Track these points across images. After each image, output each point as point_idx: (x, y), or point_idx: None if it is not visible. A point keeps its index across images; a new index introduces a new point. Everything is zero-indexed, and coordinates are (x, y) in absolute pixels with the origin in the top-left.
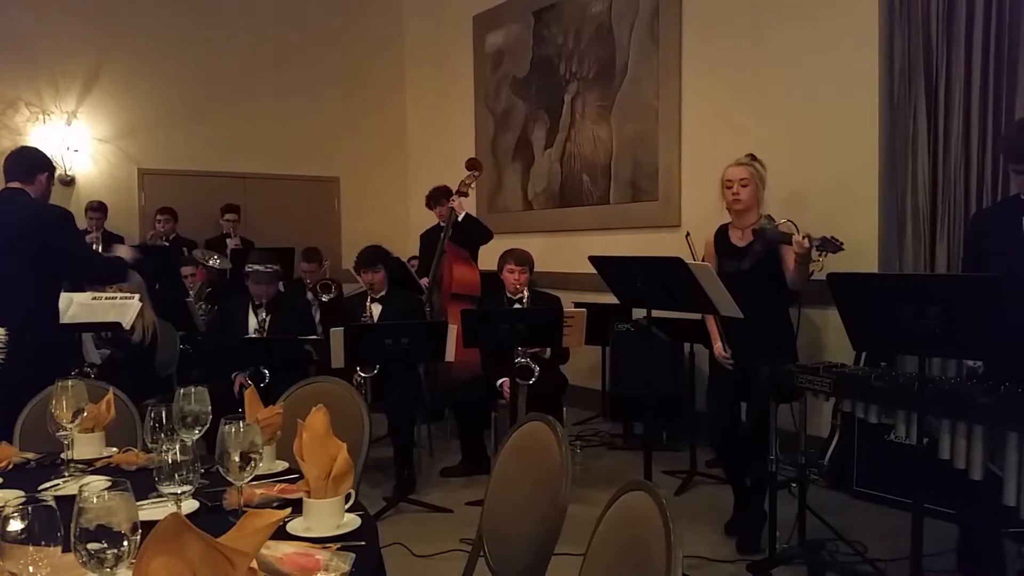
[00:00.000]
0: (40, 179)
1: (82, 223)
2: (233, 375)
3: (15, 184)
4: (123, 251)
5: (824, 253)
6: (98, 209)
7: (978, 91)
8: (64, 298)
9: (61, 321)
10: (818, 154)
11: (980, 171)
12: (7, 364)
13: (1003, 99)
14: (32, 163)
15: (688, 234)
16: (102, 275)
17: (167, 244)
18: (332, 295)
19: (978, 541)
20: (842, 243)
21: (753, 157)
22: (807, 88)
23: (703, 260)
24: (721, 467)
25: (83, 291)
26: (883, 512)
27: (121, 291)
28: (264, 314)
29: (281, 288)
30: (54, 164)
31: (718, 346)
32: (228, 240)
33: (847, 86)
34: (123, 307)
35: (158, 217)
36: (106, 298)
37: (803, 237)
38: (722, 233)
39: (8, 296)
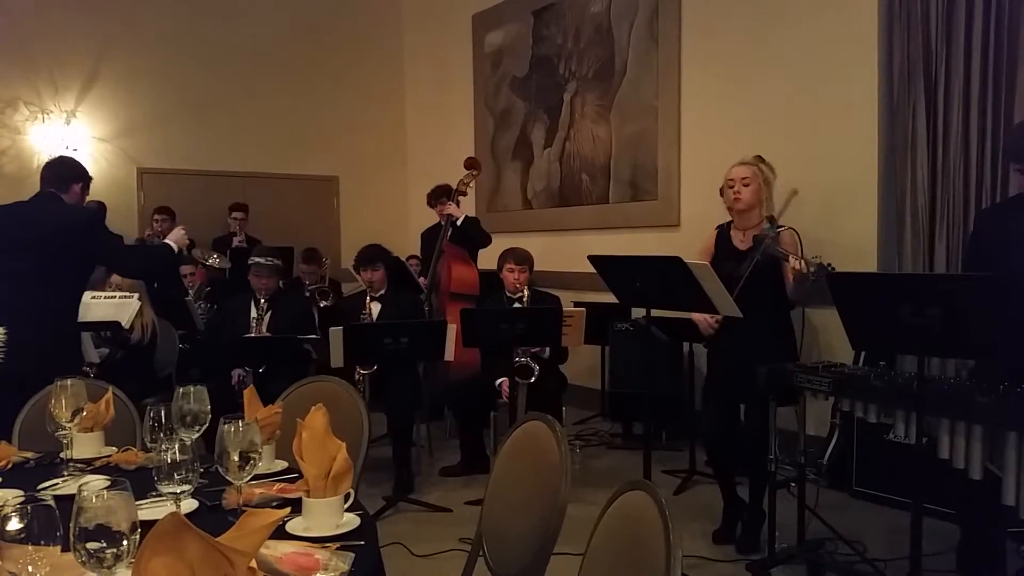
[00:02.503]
0: (74, 189)
1: None
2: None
3: (50, 191)
4: (176, 236)
5: (819, 278)
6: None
7: (977, 91)
8: None
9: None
10: (817, 154)
11: (979, 171)
12: (8, 363)
13: (1002, 99)
14: (66, 174)
15: None
16: (146, 269)
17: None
18: (329, 303)
19: (978, 541)
20: (835, 268)
21: (760, 159)
22: (806, 87)
23: (699, 255)
24: (712, 471)
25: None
26: (882, 511)
27: (120, 290)
28: (265, 308)
29: (280, 286)
30: (90, 175)
31: (700, 316)
32: (234, 238)
33: (847, 86)
34: (122, 306)
35: (155, 217)
36: (105, 297)
37: (800, 261)
38: (724, 233)
39: (17, 295)
